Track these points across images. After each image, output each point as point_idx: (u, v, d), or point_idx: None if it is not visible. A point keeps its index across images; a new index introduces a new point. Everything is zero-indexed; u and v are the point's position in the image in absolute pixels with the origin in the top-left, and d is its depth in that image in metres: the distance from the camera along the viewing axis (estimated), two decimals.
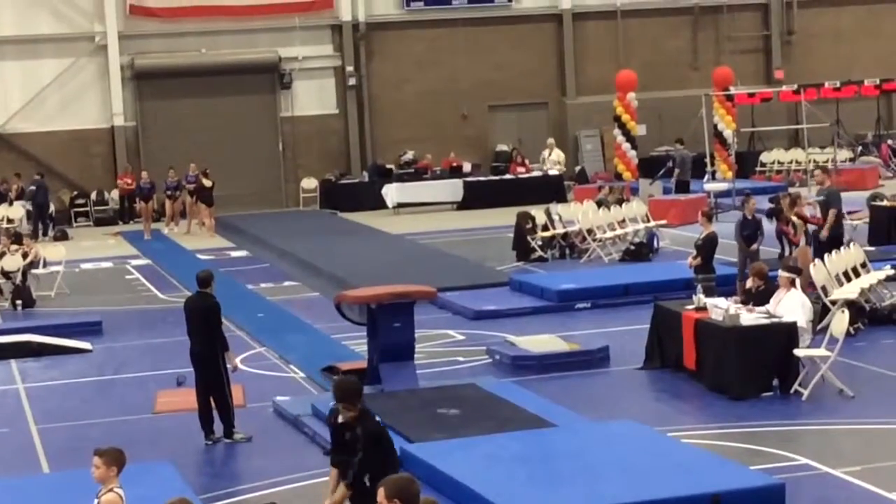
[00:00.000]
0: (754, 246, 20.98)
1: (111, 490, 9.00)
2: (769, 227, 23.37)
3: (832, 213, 22.46)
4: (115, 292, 26.54)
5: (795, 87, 38.70)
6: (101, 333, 21.86)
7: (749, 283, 17.29)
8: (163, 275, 28.23)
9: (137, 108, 39.73)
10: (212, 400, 14.95)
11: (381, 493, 7.26)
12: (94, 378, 18.92)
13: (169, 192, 36.42)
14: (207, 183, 35.19)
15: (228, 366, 15.06)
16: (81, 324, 22.28)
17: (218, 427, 14.98)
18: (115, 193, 39.32)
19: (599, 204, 29.22)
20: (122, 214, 38.98)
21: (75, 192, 39.37)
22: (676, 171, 34.86)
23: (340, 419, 9.94)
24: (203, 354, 14.95)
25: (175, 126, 39.45)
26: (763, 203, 27.73)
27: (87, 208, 39.41)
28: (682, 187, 34.64)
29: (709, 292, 17.96)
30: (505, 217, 30.47)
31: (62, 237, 35.32)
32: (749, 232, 21.01)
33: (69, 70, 39.11)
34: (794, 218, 22.28)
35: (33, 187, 36.53)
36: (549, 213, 28.30)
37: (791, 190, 29.10)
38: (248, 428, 15.13)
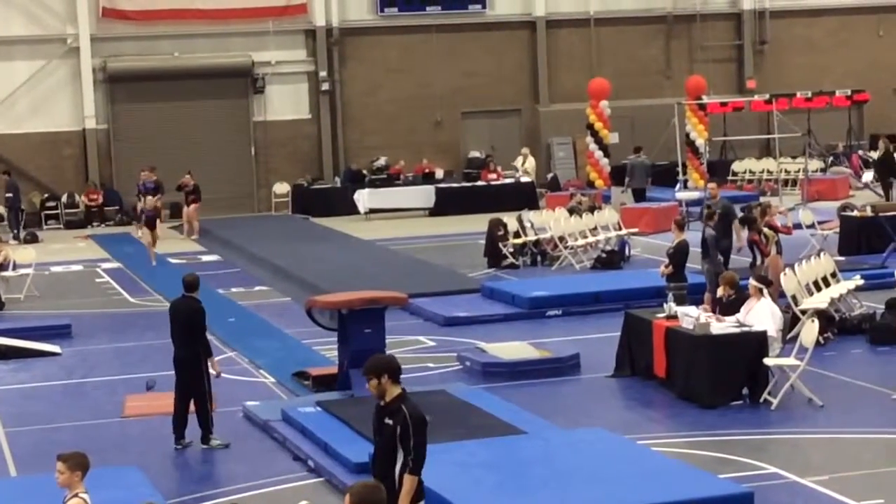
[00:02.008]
0: (720, 257, 21.12)
1: (76, 495, 8.95)
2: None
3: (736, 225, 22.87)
4: (85, 296, 26.41)
5: (767, 96, 38.83)
6: (70, 337, 21.75)
7: (720, 292, 17.33)
8: (133, 278, 28.09)
9: (109, 111, 39.56)
10: (191, 405, 14.86)
11: (347, 499, 7.36)
12: (62, 381, 18.83)
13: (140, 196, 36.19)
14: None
15: (211, 371, 15.00)
16: (51, 327, 22.17)
17: (189, 433, 14.89)
18: (84, 198, 39.17)
19: (571, 211, 29.21)
20: (90, 219, 38.83)
21: (46, 195, 39.17)
22: (627, 179, 35.07)
23: (382, 402, 9.34)
24: (186, 359, 14.87)
25: (147, 129, 39.31)
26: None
27: (58, 211, 39.22)
28: (638, 195, 34.86)
29: (680, 301, 17.98)
30: (477, 224, 30.45)
31: (32, 240, 35.15)
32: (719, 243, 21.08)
33: (41, 72, 38.91)
34: (764, 228, 22.33)
35: (10, 194, 36.19)
36: (521, 220, 28.30)
37: (762, 199, 29.21)
38: (218, 432, 15.05)
